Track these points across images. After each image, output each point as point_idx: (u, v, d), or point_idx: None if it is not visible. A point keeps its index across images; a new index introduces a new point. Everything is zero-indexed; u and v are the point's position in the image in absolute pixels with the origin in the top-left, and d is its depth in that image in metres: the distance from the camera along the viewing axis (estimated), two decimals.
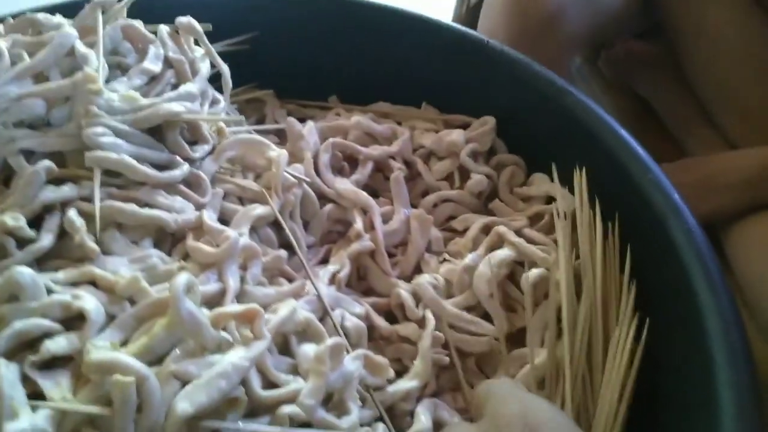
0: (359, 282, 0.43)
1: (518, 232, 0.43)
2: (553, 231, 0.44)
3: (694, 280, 0.36)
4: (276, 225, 0.43)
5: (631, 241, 0.41)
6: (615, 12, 0.71)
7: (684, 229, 0.38)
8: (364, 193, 0.45)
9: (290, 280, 0.40)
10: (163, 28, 0.45)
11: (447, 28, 0.53)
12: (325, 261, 0.44)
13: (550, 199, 0.47)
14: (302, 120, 0.51)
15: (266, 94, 0.56)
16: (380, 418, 0.34)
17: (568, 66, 0.76)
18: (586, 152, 0.45)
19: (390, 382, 0.36)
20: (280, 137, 0.52)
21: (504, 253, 0.40)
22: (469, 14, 0.91)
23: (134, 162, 0.37)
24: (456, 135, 0.48)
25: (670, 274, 0.38)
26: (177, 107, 0.39)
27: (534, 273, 0.40)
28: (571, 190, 0.45)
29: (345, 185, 0.45)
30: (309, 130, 0.48)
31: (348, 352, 0.34)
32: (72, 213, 0.34)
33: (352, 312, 0.39)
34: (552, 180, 0.47)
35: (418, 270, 0.44)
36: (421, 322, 0.39)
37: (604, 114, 0.44)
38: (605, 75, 0.84)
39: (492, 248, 0.42)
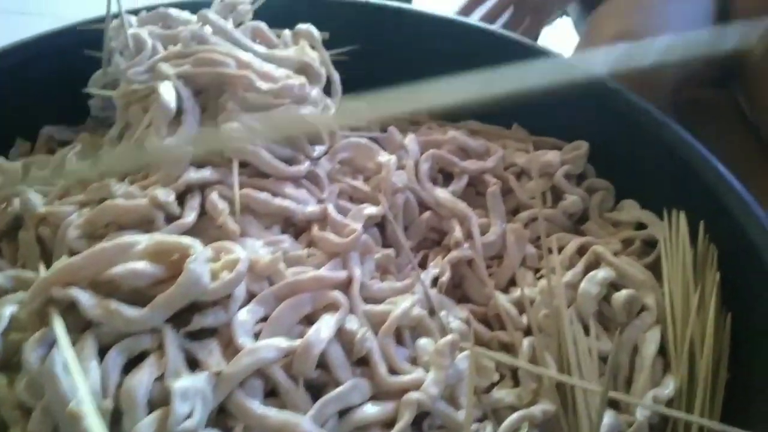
0: (454, 289, 0.45)
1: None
2: (643, 257, 0.46)
3: None
4: (379, 227, 0.45)
5: (725, 274, 0.43)
6: (700, 63, 0.71)
7: None
8: (463, 203, 0.47)
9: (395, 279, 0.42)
10: (287, 34, 0.48)
11: (544, 53, 0.55)
12: (420, 266, 0.45)
13: (639, 226, 0.48)
14: None
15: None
16: (485, 418, 0.36)
17: None
18: (682, 185, 0.46)
19: (493, 384, 0.37)
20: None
21: (605, 272, 0.41)
22: None
23: (268, 155, 0.39)
24: (552, 155, 0.50)
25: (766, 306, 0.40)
26: (303, 109, 0.42)
27: (625, 293, 0.42)
28: (662, 219, 0.47)
29: (444, 194, 0.47)
30: (410, 140, 0.50)
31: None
32: (214, 196, 0.36)
33: (455, 315, 0.40)
34: (642, 207, 0.49)
35: (512, 283, 0.45)
36: (527, 332, 0.40)
37: (702, 148, 0.46)
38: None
39: (588, 268, 0.43)
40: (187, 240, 0.31)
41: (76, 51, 0.50)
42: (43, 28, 0.52)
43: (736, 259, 0.43)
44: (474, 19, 0.68)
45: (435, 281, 0.43)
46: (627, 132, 0.50)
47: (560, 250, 0.45)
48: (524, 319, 0.41)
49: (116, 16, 0.47)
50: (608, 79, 0.52)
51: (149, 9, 0.49)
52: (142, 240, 0.31)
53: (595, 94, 0.52)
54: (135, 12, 0.49)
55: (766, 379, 0.39)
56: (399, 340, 0.36)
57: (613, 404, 0.38)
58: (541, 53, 0.54)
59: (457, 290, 0.45)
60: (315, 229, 0.38)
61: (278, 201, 0.38)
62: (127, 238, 0.31)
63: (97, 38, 0.49)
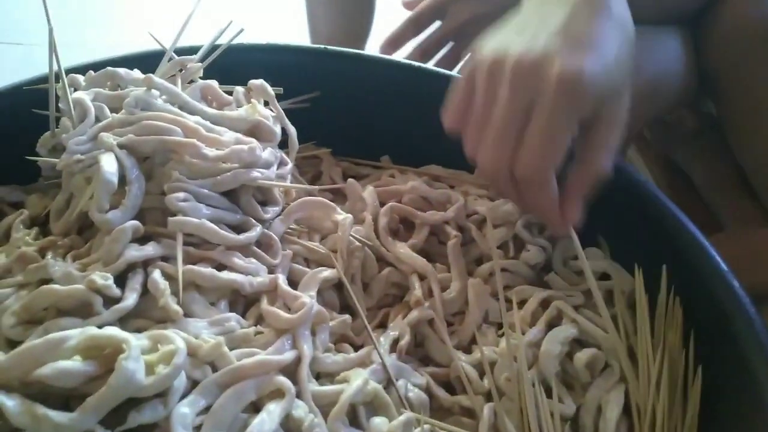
0: (416, 349, 0.44)
1: (576, 309, 0.43)
2: (607, 307, 0.45)
3: (758, 373, 0.37)
4: (337, 287, 0.43)
5: (692, 325, 0.42)
6: (674, 97, 0.71)
7: (746, 320, 0.39)
8: (423, 259, 0.46)
9: (352, 343, 0.41)
10: (240, 90, 0.47)
11: None
12: (382, 325, 0.44)
13: (603, 275, 0.47)
14: (355, 178, 0.53)
15: (323, 153, 0.57)
16: None
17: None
18: (644, 234, 0.46)
19: None
20: (334, 193, 0.53)
21: (567, 330, 0.41)
22: None
23: (214, 226, 0.38)
24: (512, 205, 0.49)
25: (732, 364, 0.39)
26: (254, 173, 0.41)
27: (587, 353, 0.41)
28: (626, 268, 0.46)
29: (404, 250, 0.46)
30: (369, 193, 0.49)
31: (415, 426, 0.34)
32: (156, 275, 0.35)
33: (414, 383, 0.39)
34: (605, 256, 0.48)
35: (474, 341, 0.44)
36: (488, 396, 0.39)
37: (665, 198, 0.45)
38: (642, 144, 0.85)
39: (551, 324, 0.42)
40: (120, 334, 0.29)
41: (27, 110, 0.49)
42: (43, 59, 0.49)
43: (700, 310, 0.42)
44: (402, 55, 0.66)
45: (395, 343, 0.42)
46: None
47: (522, 303, 0.45)
48: (486, 383, 0.40)
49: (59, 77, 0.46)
50: None
51: (97, 67, 0.48)
52: (74, 335, 0.29)
53: None
54: (83, 69, 0.48)
55: None
56: (354, 417, 0.35)
57: None
58: None
59: (420, 349, 0.44)
60: (264, 303, 0.37)
61: (225, 275, 0.36)
62: (58, 334, 0.29)
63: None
